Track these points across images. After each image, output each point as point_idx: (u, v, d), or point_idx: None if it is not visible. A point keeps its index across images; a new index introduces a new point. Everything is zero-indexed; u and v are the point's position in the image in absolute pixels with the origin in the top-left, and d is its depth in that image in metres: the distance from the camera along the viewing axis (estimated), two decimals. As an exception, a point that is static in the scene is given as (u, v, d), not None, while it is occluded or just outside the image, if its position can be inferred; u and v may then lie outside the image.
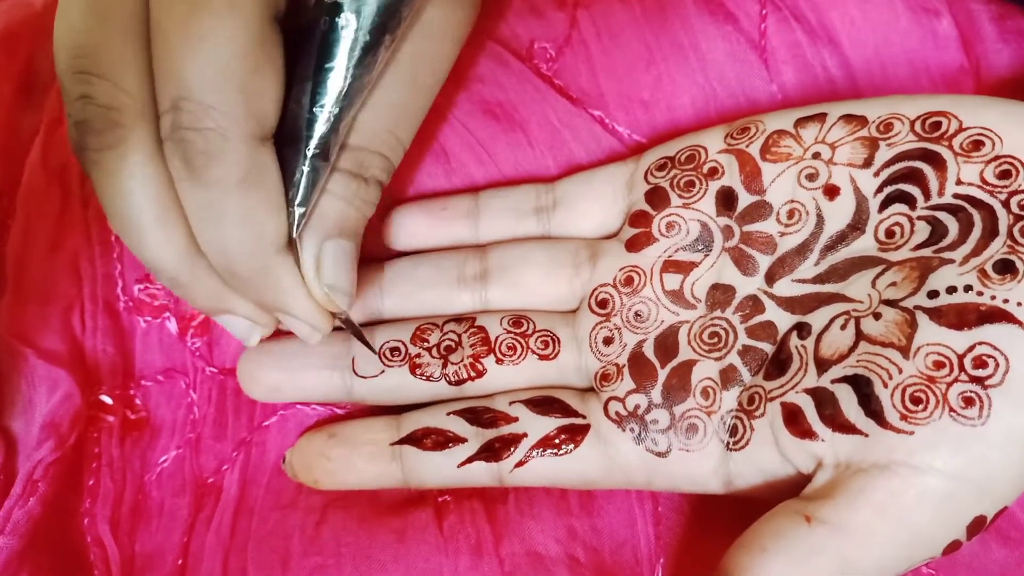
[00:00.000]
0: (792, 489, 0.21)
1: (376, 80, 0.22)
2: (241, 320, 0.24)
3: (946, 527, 0.19)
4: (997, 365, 0.19)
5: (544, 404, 0.25)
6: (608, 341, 0.25)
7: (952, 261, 0.20)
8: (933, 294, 0.20)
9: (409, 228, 0.27)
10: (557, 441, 0.24)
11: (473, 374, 0.25)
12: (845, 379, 0.21)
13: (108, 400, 0.27)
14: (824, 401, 0.21)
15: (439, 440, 0.25)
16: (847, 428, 0.20)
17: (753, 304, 0.23)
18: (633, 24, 0.28)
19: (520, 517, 0.25)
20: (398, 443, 0.25)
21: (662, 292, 0.25)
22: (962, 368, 0.19)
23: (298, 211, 0.21)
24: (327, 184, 0.22)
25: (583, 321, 0.25)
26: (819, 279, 0.23)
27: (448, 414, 0.25)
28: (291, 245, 0.22)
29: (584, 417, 0.24)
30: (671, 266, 0.25)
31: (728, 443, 0.22)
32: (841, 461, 0.20)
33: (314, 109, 0.21)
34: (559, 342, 0.25)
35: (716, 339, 0.24)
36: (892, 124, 0.22)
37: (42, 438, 0.25)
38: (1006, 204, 0.20)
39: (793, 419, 0.21)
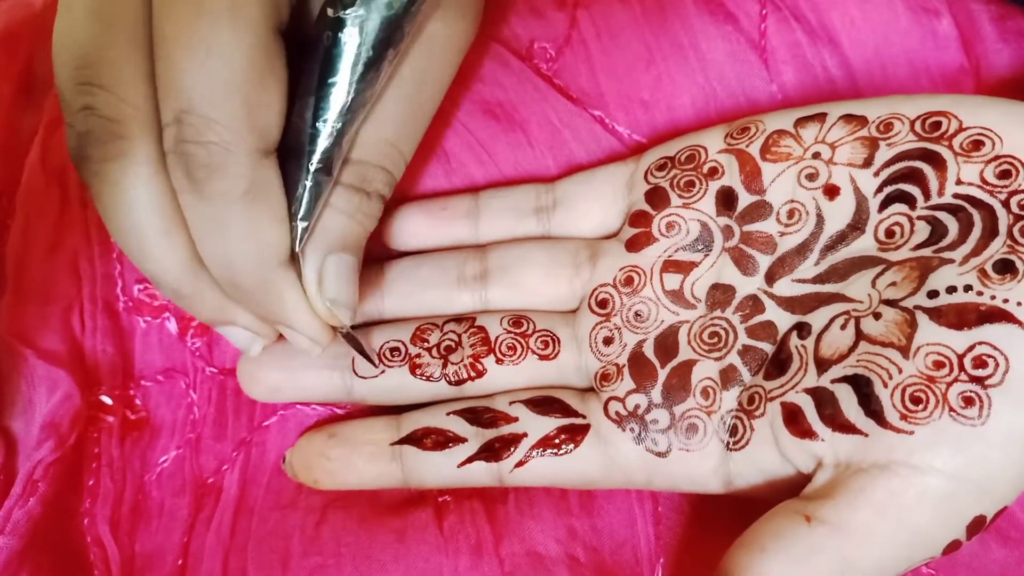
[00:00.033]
0: (792, 489, 0.21)
1: (379, 94, 0.22)
2: (242, 331, 0.24)
3: (946, 527, 0.19)
4: (997, 365, 0.19)
5: (544, 404, 0.25)
6: (608, 341, 0.25)
7: (952, 261, 0.20)
8: (933, 294, 0.20)
9: (409, 228, 0.27)
10: (557, 441, 0.24)
11: (473, 374, 0.25)
12: (845, 379, 0.21)
13: (108, 400, 0.27)
14: (824, 401, 0.21)
15: (439, 440, 0.25)
16: (847, 428, 0.20)
17: (753, 304, 0.23)
18: (633, 24, 0.28)
19: (520, 517, 0.25)
20: (398, 443, 0.25)
21: (662, 292, 0.25)
22: (962, 368, 0.19)
23: (300, 225, 0.21)
24: (330, 198, 0.22)
25: (583, 321, 0.25)
26: (819, 279, 0.23)
27: (448, 414, 0.25)
28: (293, 259, 0.22)
29: (584, 417, 0.24)
30: (671, 266, 0.25)
31: (728, 443, 0.22)
32: (841, 461, 0.20)
33: (317, 124, 0.21)
34: (559, 342, 0.25)
35: (716, 339, 0.24)
36: (892, 124, 0.22)
37: (42, 438, 0.25)
38: (1006, 204, 0.20)
39: (793, 419, 0.21)
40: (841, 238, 0.23)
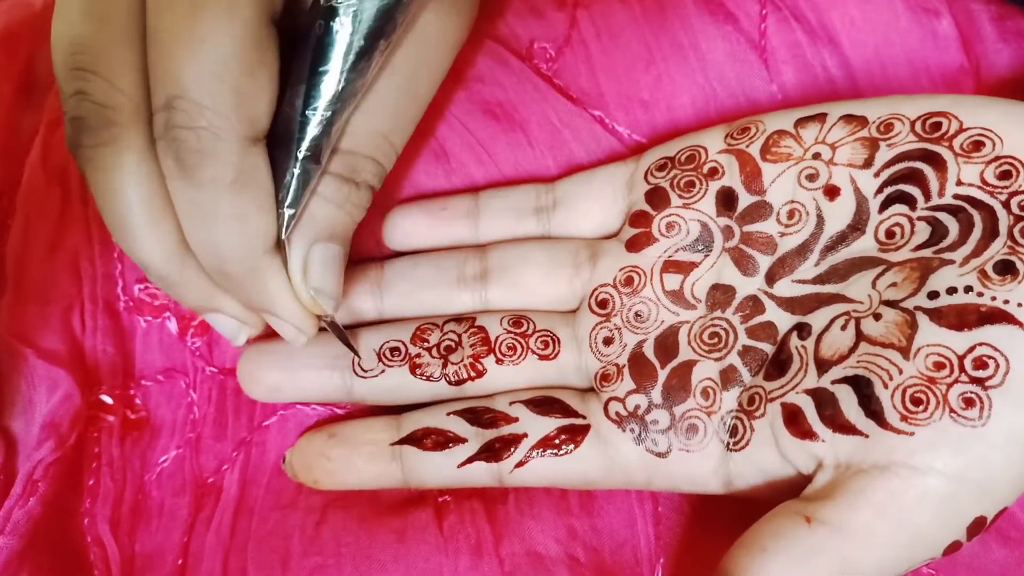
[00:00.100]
0: (792, 489, 0.21)
1: (370, 85, 0.22)
2: (229, 319, 0.24)
3: (946, 528, 0.19)
4: (997, 366, 0.19)
5: (544, 404, 0.25)
6: (608, 341, 0.25)
7: (952, 262, 0.20)
8: (933, 295, 0.20)
9: (409, 228, 0.27)
10: (557, 441, 0.24)
11: (473, 374, 0.25)
12: (845, 380, 0.21)
13: (108, 400, 0.27)
14: (824, 402, 0.21)
15: (439, 440, 0.25)
16: (847, 429, 0.20)
17: (753, 304, 0.23)
18: (633, 24, 0.28)
19: (520, 517, 0.25)
20: (398, 443, 0.25)
21: (662, 292, 0.25)
22: (962, 369, 0.19)
23: (287, 213, 0.22)
24: (318, 187, 0.22)
25: (583, 321, 0.25)
26: (819, 279, 0.23)
27: (448, 414, 0.25)
28: (280, 247, 0.22)
29: (584, 417, 0.24)
30: (671, 266, 0.25)
31: (728, 443, 0.22)
32: (841, 462, 0.20)
33: (307, 112, 0.21)
34: (559, 342, 0.25)
35: (716, 339, 0.24)
36: (892, 124, 0.22)
37: (42, 438, 0.25)
38: (1006, 205, 0.20)
39: (793, 420, 0.21)
40: (841, 239, 0.23)
